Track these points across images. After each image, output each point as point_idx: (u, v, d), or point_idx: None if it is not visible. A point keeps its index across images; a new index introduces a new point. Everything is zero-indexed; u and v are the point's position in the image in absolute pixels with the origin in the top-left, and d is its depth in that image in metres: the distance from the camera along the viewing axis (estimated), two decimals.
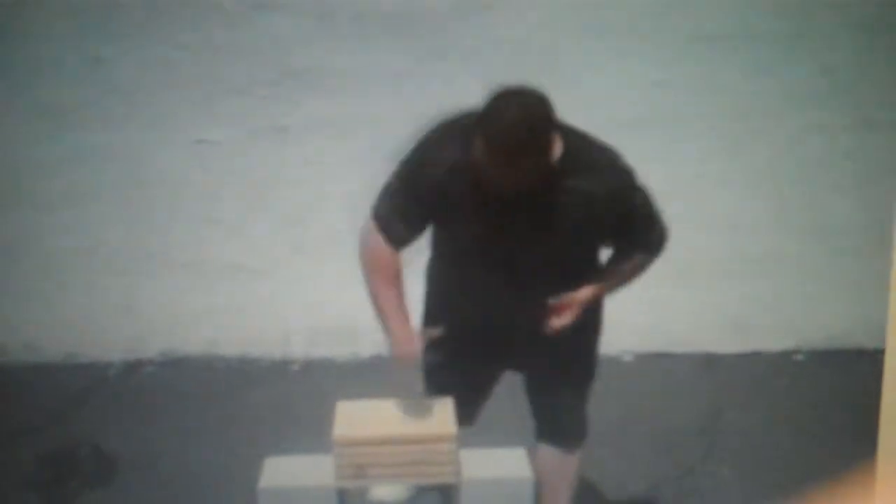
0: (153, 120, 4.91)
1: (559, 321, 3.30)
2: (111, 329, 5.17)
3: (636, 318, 5.13)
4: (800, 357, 5.18)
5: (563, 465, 3.73)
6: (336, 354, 5.18)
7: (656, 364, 5.12)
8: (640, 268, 3.41)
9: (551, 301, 3.28)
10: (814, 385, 4.95)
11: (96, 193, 5.01)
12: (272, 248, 5.10)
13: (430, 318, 3.49)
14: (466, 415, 3.48)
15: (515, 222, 3.18)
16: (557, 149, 3.12)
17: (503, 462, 3.27)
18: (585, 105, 4.75)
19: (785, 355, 5.20)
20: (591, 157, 3.23)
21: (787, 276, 5.18)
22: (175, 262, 5.09)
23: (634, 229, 3.32)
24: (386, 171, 3.27)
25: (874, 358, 4.87)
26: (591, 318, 3.47)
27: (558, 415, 3.70)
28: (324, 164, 4.99)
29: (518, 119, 2.98)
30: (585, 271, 3.36)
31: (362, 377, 4.74)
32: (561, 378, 3.60)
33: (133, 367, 5.14)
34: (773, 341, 5.23)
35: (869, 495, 2.65)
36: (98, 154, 4.95)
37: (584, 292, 3.32)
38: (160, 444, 4.52)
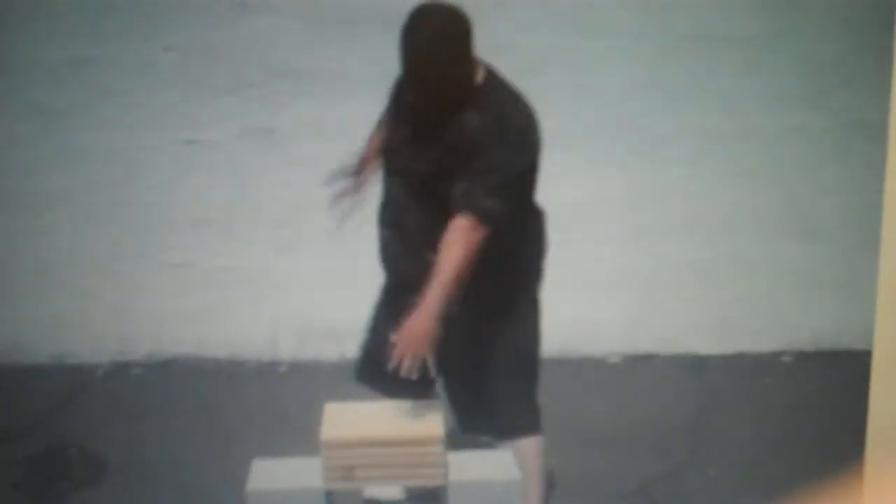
0: (141, 121, 4.91)
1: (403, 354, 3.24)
2: (99, 330, 5.15)
3: (622, 319, 5.14)
4: (787, 358, 5.19)
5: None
6: (324, 356, 5.17)
7: (643, 365, 5.12)
8: (455, 241, 3.24)
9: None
10: (801, 386, 4.95)
11: (83, 194, 5.01)
12: (260, 250, 5.09)
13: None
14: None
15: (423, 142, 3.39)
16: (478, 75, 3.30)
17: (491, 464, 3.28)
18: (574, 105, 4.79)
19: (772, 356, 5.19)
20: (510, 101, 3.36)
21: (774, 277, 5.19)
22: (163, 263, 5.09)
23: (470, 165, 3.26)
24: None
25: (861, 360, 4.88)
26: (508, 301, 3.50)
27: (467, 396, 3.61)
28: (312, 166, 4.99)
29: (431, 26, 3.21)
30: None
31: (350, 379, 4.73)
32: (473, 356, 3.53)
33: (121, 369, 5.12)
34: (760, 342, 5.23)
35: (856, 496, 2.66)
36: (86, 155, 4.94)
37: (412, 321, 3.23)
38: (148, 445, 4.51)
